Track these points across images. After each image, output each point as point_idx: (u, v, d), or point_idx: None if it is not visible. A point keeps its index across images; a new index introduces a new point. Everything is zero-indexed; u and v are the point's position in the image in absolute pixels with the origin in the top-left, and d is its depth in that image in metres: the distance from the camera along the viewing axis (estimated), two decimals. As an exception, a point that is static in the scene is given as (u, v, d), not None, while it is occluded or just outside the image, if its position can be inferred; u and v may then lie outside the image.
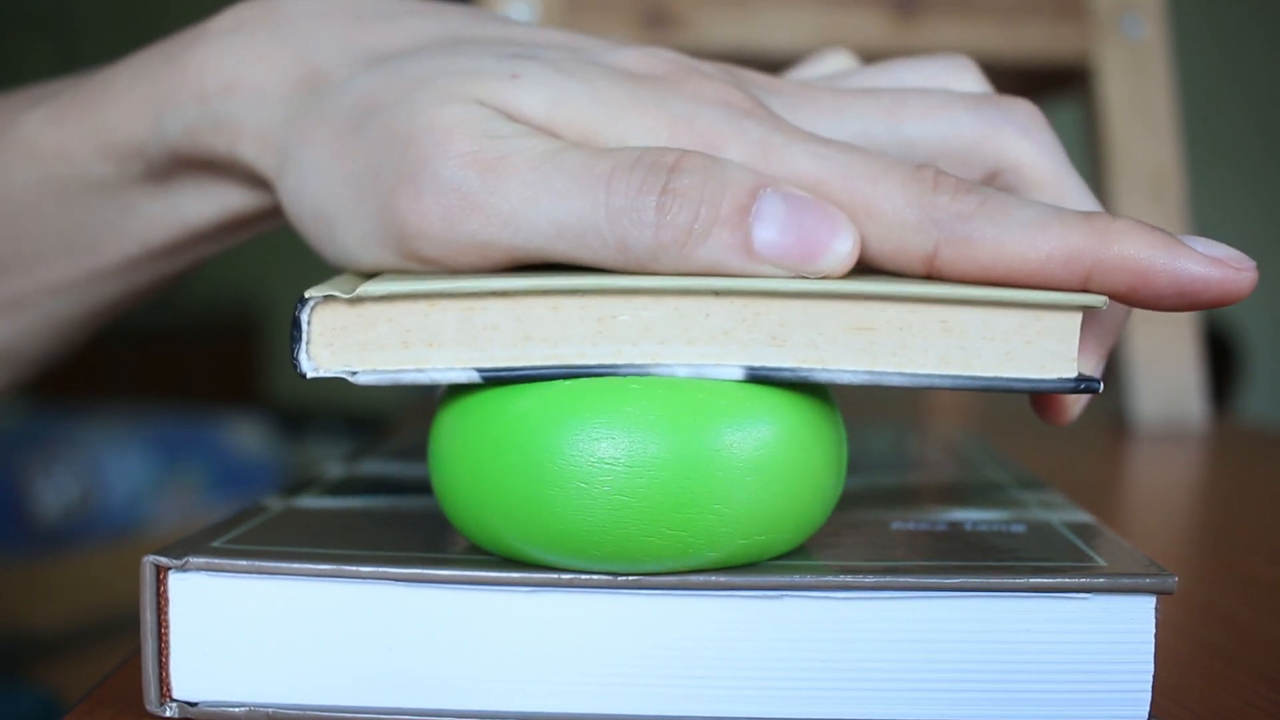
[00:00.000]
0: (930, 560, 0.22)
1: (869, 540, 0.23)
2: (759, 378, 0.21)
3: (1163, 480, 0.48)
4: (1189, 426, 0.60)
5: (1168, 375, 0.60)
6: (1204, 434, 0.59)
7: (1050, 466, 0.48)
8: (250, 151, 0.28)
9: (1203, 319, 0.64)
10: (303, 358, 0.22)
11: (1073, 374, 0.21)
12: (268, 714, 0.21)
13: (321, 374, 0.22)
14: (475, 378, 0.22)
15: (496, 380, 0.22)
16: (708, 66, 0.25)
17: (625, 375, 0.21)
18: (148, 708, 0.21)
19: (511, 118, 0.24)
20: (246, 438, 1.80)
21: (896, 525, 0.25)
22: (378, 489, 0.28)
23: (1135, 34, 0.63)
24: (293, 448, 2.56)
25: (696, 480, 0.20)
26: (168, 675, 0.21)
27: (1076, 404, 0.25)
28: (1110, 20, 0.63)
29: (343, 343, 0.22)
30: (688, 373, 0.21)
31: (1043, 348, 0.21)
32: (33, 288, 0.33)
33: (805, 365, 0.21)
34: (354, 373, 0.22)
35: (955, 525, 0.25)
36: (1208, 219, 2.53)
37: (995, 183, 0.25)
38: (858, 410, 0.64)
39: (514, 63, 0.24)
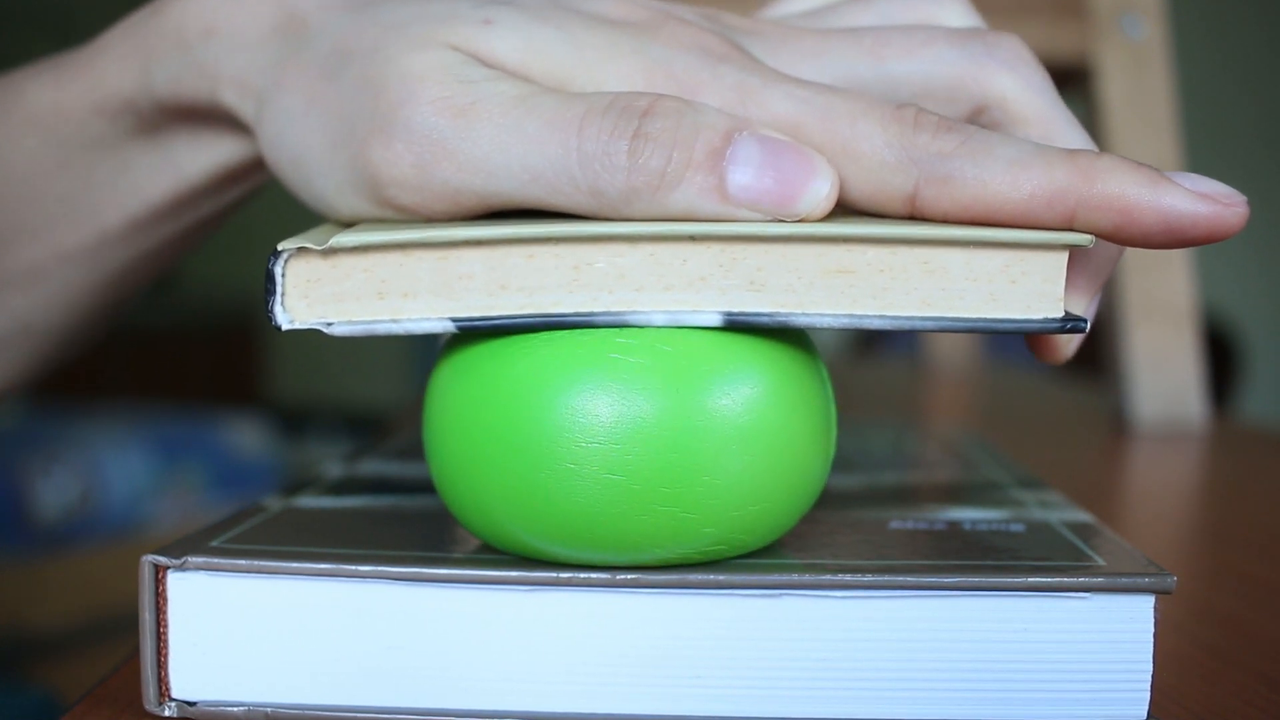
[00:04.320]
0: (929, 560, 0.22)
1: (868, 539, 0.23)
2: (737, 323, 0.21)
3: (1163, 480, 0.48)
4: (1189, 426, 0.60)
5: (1168, 375, 0.60)
6: (1204, 434, 0.59)
7: (1050, 466, 0.48)
8: (231, 97, 0.28)
9: (1203, 319, 0.64)
10: (278, 310, 0.21)
11: (1059, 314, 0.21)
12: (266, 714, 0.21)
13: (297, 326, 0.21)
14: (450, 327, 0.21)
15: (472, 330, 0.21)
16: (686, 12, 0.25)
17: (602, 324, 0.21)
18: (147, 707, 0.21)
19: (485, 63, 0.24)
20: (246, 438, 1.80)
21: (895, 524, 0.25)
22: (377, 489, 0.28)
23: (1135, 34, 0.63)
24: (293, 448, 2.56)
25: (683, 453, 0.20)
26: (166, 675, 0.21)
27: (1070, 342, 0.25)
28: (1110, 20, 0.63)
29: (318, 295, 0.21)
30: (664, 320, 0.21)
31: (1028, 288, 0.21)
32: (44, 256, 0.34)
33: (784, 310, 0.21)
34: (329, 324, 0.22)
35: (954, 525, 0.25)
36: (1208, 219, 2.52)
37: (981, 119, 0.25)
38: (858, 410, 0.64)
39: (488, 9, 0.24)
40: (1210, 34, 2.62)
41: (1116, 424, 0.61)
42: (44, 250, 0.34)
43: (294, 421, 2.88)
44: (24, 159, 0.32)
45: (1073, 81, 0.66)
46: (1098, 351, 0.64)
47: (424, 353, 2.98)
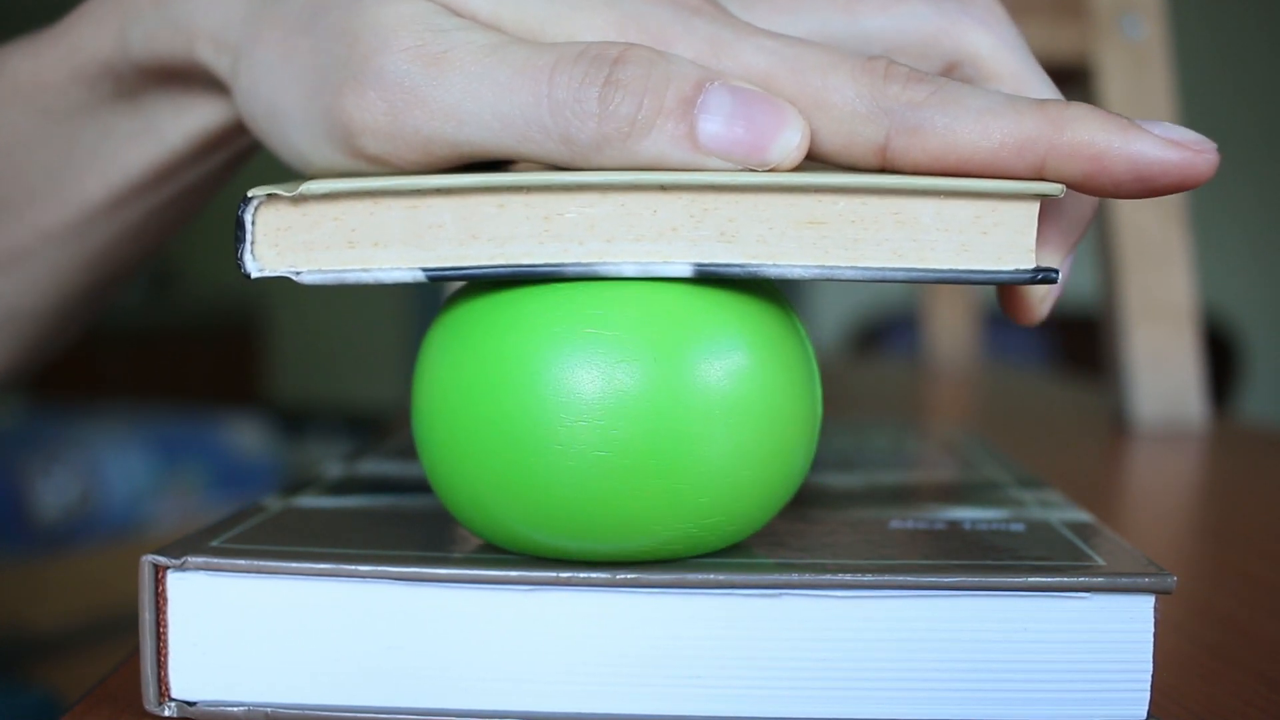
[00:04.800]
0: (929, 559, 0.22)
1: (867, 539, 0.23)
2: (707, 274, 0.21)
3: (1163, 480, 0.48)
4: (1189, 426, 0.60)
5: (1168, 375, 0.60)
6: (1204, 434, 0.59)
7: (1050, 466, 0.48)
8: (207, 54, 0.28)
9: (1203, 319, 0.64)
10: (247, 258, 0.21)
11: (1030, 265, 0.21)
12: (266, 714, 0.21)
13: (267, 274, 0.21)
14: (421, 277, 0.21)
15: (443, 279, 0.21)
16: None
17: (573, 275, 0.21)
18: (146, 707, 0.21)
19: (457, 14, 0.24)
20: (246, 438, 1.80)
21: (895, 524, 0.25)
22: (377, 488, 0.28)
23: (1135, 34, 0.63)
24: (293, 448, 2.56)
25: (669, 419, 0.20)
26: (166, 675, 0.21)
27: (1044, 302, 0.25)
28: (1110, 20, 0.63)
29: (288, 243, 0.21)
30: (635, 270, 0.21)
31: (999, 238, 0.21)
32: (28, 236, 0.34)
33: (755, 261, 0.21)
34: (299, 273, 0.21)
35: (954, 524, 0.25)
36: (1208, 218, 2.52)
37: (954, 75, 0.25)
38: (858, 410, 0.64)
39: None
40: (1210, 34, 2.63)
41: (1116, 424, 0.61)
42: (27, 229, 0.34)
43: (294, 421, 2.88)
44: (6, 130, 0.32)
45: (1073, 81, 0.66)
46: (1098, 351, 0.64)
47: (424, 353, 2.98)
